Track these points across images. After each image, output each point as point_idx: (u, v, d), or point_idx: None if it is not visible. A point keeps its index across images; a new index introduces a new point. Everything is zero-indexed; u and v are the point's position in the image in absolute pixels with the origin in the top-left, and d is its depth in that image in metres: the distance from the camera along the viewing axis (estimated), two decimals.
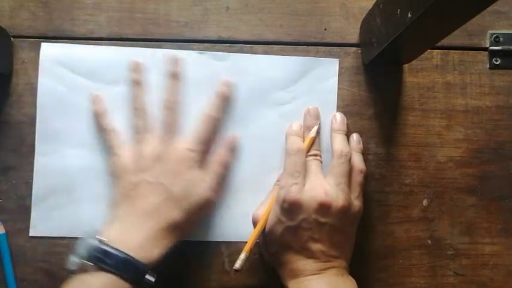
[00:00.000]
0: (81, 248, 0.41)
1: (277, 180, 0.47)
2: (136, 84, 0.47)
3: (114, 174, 0.45)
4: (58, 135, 0.47)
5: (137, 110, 0.46)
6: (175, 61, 0.48)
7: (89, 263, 0.40)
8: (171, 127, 0.46)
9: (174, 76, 0.47)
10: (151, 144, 0.45)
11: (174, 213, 0.43)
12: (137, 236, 0.42)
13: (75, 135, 0.48)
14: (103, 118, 0.47)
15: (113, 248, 0.40)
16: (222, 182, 0.47)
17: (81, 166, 0.47)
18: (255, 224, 0.45)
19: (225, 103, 0.47)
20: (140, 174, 0.44)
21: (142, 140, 0.45)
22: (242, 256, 0.43)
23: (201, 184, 0.45)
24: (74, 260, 0.41)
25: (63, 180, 0.47)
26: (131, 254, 0.41)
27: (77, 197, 0.47)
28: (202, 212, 0.46)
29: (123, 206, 0.44)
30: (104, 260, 0.40)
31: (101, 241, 0.41)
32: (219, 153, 0.47)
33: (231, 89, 0.48)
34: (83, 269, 0.40)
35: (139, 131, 0.46)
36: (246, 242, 0.44)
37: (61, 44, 0.48)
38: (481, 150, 0.50)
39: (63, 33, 0.49)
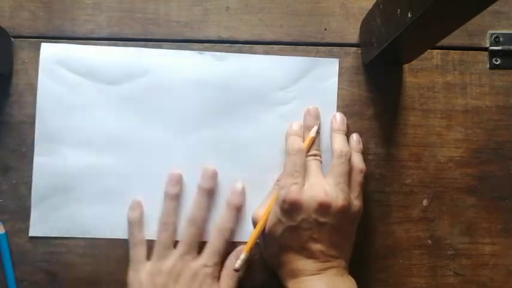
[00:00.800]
0: None
1: (277, 180, 0.47)
2: (171, 199, 0.47)
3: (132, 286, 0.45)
4: (58, 135, 0.47)
5: (165, 224, 0.46)
6: (212, 177, 0.47)
7: None
8: (192, 244, 0.46)
9: (208, 192, 0.47)
10: (171, 261, 0.45)
11: None
12: None
13: (75, 135, 0.48)
14: (137, 228, 0.47)
15: None
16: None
17: (81, 166, 0.47)
18: (254, 224, 0.45)
19: (237, 213, 0.47)
20: None
21: (163, 256, 0.45)
22: (242, 256, 0.43)
23: None
24: None
25: (63, 180, 0.47)
26: None
27: (77, 197, 0.47)
28: None
29: None
30: None
31: None
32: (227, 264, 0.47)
33: (243, 199, 0.47)
34: None
35: (163, 247, 0.45)
36: (246, 242, 0.44)
37: (61, 44, 0.48)
38: (481, 150, 0.50)
39: (63, 33, 0.49)
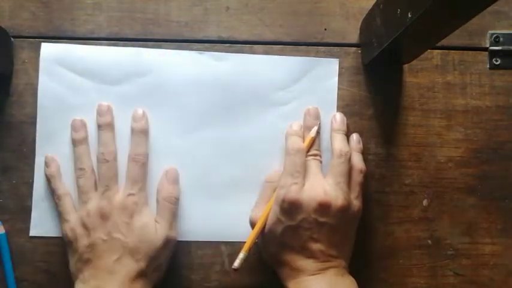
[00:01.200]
0: None
1: (265, 181, 0.47)
2: (79, 143, 0.46)
3: (67, 242, 0.45)
4: (58, 135, 0.47)
5: (80, 170, 0.46)
6: (108, 112, 0.47)
7: None
8: (109, 180, 0.45)
9: (110, 127, 0.47)
10: (95, 202, 0.44)
11: (137, 264, 0.43)
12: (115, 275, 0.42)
13: None
14: (57, 181, 0.46)
15: None
16: (175, 216, 0.46)
17: None
18: (252, 225, 0.45)
19: (146, 137, 0.47)
20: (92, 234, 0.43)
21: (86, 200, 0.45)
22: (241, 255, 0.43)
23: (154, 227, 0.44)
24: None
25: (63, 180, 0.47)
26: None
27: (77, 197, 0.47)
28: (166, 252, 0.45)
29: (85, 271, 0.43)
30: None
31: None
32: (164, 189, 0.46)
33: (146, 122, 0.47)
34: None
35: (83, 191, 0.45)
36: (245, 242, 0.44)
37: (61, 44, 0.48)
38: (481, 150, 0.50)
39: (63, 33, 0.49)
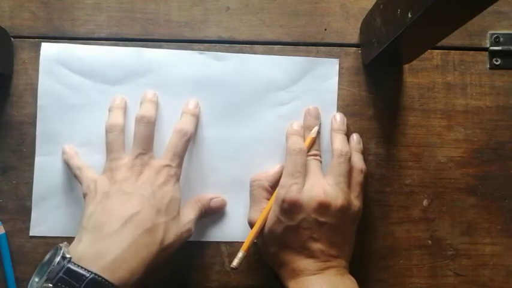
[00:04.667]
0: (45, 268, 0.36)
1: (252, 181, 0.47)
2: (116, 108, 0.46)
3: (87, 189, 0.42)
4: (58, 135, 0.47)
5: (110, 125, 0.45)
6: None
7: (52, 285, 0.35)
8: (147, 144, 0.44)
9: (151, 101, 0.46)
10: (129, 159, 0.43)
11: (155, 218, 0.40)
12: (112, 249, 0.38)
13: (75, 135, 0.47)
14: (74, 159, 0.46)
15: (80, 267, 0.36)
16: (199, 218, 0.46)
17: None
18: (251, 226, 0.45)
19: (195, 120, 0.47)
20: (117, 184, 0.41)
21: (117, 157, 0.43)
22: (240, 255, 0.43)
23: (179, 206, 0.43)
24: (35, 284, 0.36)
25: (63, 180, 0.47)
26: (103, 274, 0.36)
27: (77, 196, 0.47)
28: (179, 239, 0.42)
29: (96, 215, 0.40)
30: (70, 282, 0.35)
31: (66, 259, 0.36)
32: (205, 199, 0.47)
33: (198, 110, 0.47)
34: None
35: (114, 148, 0.44)
36: (244, 241, 0.44)
37: (61, 44, 0.48)
38: (481, 150, 0.49)
39: (63, 33, 0.49)
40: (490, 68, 0.50)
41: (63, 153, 0.47)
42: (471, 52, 0.50)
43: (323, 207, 0.42)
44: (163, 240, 0.41)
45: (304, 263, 0.42)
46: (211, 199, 0.47)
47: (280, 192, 0.43)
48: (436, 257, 0.49)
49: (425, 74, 0.50)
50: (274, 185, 0.46)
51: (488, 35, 0.50)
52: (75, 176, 0.45)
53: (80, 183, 0.44)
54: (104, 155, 0.46)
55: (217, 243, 0.48)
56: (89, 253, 0.37)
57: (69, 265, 0.36)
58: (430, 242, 0.49)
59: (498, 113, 0.50)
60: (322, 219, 0.42)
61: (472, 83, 0.50)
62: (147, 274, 0.39)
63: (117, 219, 0.39)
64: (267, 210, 0.44)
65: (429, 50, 0.50)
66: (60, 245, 0.38)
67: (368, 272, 0.48)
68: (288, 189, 0.43)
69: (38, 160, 0.47)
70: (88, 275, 0.36)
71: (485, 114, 0.50)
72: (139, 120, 0.44)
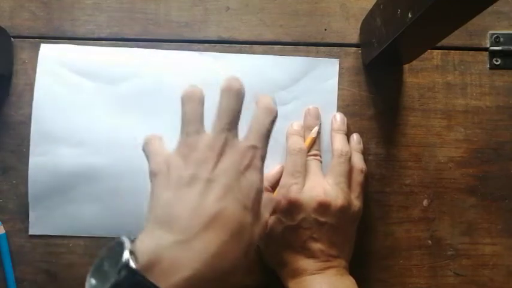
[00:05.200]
0: (103, 269, 0.30)
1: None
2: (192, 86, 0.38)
3: (155, 169, 0.35)
4: (56, 134, 0.47)
5: (191, 93, 0.37)
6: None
7: None
8: (233, 119, 0.36)
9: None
10: (209, 136, 0.35)
11: (243, 217, 0.33)
12: (191, 263, 0.30)
13: (74, 135, 0.47)
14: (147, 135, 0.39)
15: (148, 281, 0.28)
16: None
17: (78, 166, 0.47)
18: None
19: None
20: (194, 168, 0.34)
21: (195, 131, 0.35)
22: None
23: (261, 193, 0.36)
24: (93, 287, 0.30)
25: (60, 180, 0.47)
26: None
27: (75, 196, 0.47)
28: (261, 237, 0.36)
29: (173, 207, 0.32)
30: None
31: (132, 270, 0.28)
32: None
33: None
34: None
35: (192, 120, 0.36)
36: None
37: (61, 44, 0.48)
38: (481, 150, 0.49)
39: (63, 33, 0.49)
40: (490, 68, 0.50)
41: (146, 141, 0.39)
42: (471, 52, 0.50)
43: (323, 207, 0.42)
44: (250, 244, 0.33)
45: (304, 263, 0.42)
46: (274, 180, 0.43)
47: (280, 192, 0.43)
48: (436, 257, 0.49)
49: (425, 74, 0.50)
50: (275, 185, 0.46)
51: (488, 35, 0.50)
52: (143, 151, 0.38)
53: (147, 159, 0.37)
54: (102, 157, 0.46)
55: None
56: (163, 261, 0.30)
57: (136, 277, 0.28)
58: (430, 242, 0.49)
59: (498, 113, 0.50)
60: (322, 219, 0.42)
61: (472, 83, 0.50)
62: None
63: (198, 217, 0.32)
64: None
65: (429, 50, 0.50)
66: (124, 240, 0.30)
67: (368, 272, 0.48)
68: (288, 189, 0.43)
69: (33, 160, 0.47)
70: None
71: (485, 114, 0.50)
72: (227, 90, 0.36)
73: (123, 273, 0.28)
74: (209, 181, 0.33)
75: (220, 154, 0.35)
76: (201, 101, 0.37)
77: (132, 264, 0.29)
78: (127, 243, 0.30)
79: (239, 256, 0.32)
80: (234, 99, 0.36)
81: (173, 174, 0.34)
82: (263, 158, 0.37)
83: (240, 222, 0.33)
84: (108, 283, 0.29)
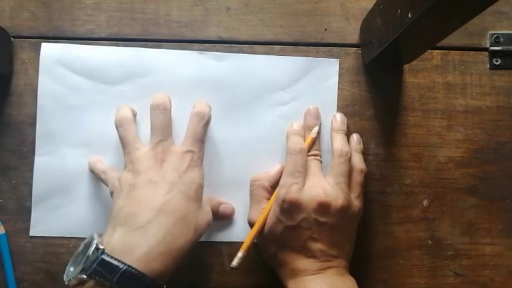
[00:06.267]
0: (80, 258, 0.37)
1: (252, 180, 0.47)
2: (123, 105, 0.46)
3: (112, 187, 0.42)
4: (58, 135, 0.47)
5: (118, 120, 0.44)
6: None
7: (86, 277, 0.36)
8: (166, 130, 0.43)
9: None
10: (149, 147, 0.42)
11: (187, 205, 0.40)
12: (146, 241, 0.37)
13: (75, 135, 0.48)
14: (100, 164, 0.46)
15: (113, 258, 0.36)
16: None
17: (81, 166, 0.47)
18: (251, 226, 0.45)
19: (208, 105, 0.46)
20: (142, 175, 0.41)
21: (136, 148, 0.42)
22: (239, 254, 0.43)
23: (202, 192, 0.43)
24: (71, 273, 0.37)
25: (63, 180, 0.47)
26: (137, 266, 0.36)
27: (77, 197, 0.47)
28: (207, 225, 0.43)
29: (127, 208, 0.39)
30: (104, 273, 0.35)
31: (100, 250, 0.36)
32: (221, 206, 0.47)
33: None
34: (81, 283, 0.36)
35: (131, 139, 0.43)
36: (244, 241, 0.44)
37: (61, 44, 0.48)
38: (482, 150, 0.49)
39: (64, 33, 0.49)
40: (490, 68, 0.50)
41: (88, 163, 0.46)
42: (471, 52, 0.50)
43: (323, 207, 0.42)
44: (197, 228, 0.40)
45: (304, 263, 0.42)
46: (220, 204, 0.47)
47: (280, 192, 0.43)
48: (436, 257, 0.49)
49: (425, 74, 0.50)
50: (275, 185, 0.46)
51: (488, 35, 0.50)
52: (102, 180, 0.45)
53: (107, 185, 0.44)
54: (104, 155, 0.46)
55: (218, 244, 0.48)
56: (123, 245, 0.37)
57: (103, 256, 0.36)
58: (430, 242, 0.49)
59: (498, 113, 0.50)
60: (322, 219, 0.42)
61: (472, 83, 0.50)
62: (182, 263, 0.39)
63: (149, 209, 0.39)
64: (267, 210, 0.44)
65: (429, 50, 0.50)
66: (94, 235, 0.38)
67: (368, 272, 0.48)
68: (288, 189, 0.43)
69: (38, 160, 0.47)
70: (122, 266, 0.35)
71: (486, 114, 0.50)
72: (155, 108, 0.43)
73: (92, 256, 0.36)
74: (155, 182, 0.40)
75: (162, 160, 0.41)
76: (132, 122, 0.44)
77: (100, 247, 0.36)
78: (96, 237, 0.38)
79: (187, 234, 0.39)
80: (162, 114, 0.43)
81: (124, 185, 0.41)
82: (200, 159, 0.43)
83: (185, 209, 0.40)
84: (81, 266, 0.36)
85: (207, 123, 0.44)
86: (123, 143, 0.43)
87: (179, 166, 0.41)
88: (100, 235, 0.39)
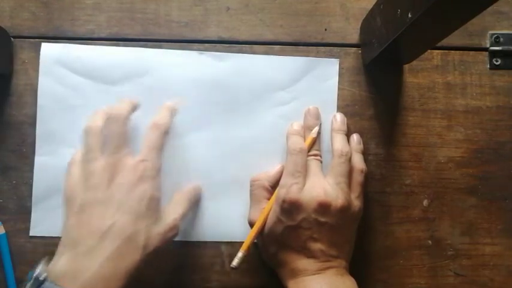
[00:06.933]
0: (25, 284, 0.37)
1: (252, 180, 0.47)
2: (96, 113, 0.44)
3: (65, 196, 0.42)
4: (58, 135, 0.47)
5: (89, 128, 0.43)
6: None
7: None
8: (120, 141, 0.42)
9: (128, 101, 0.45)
10: (102, 160, 0.41)
11: (135, 223, 0.39)
12: (90, 266, 0.37)
13: (75, 135, 0.47)
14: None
15: (56, 286, 0.36)
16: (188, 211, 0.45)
17: None
18: (251, 226, 0.45)
19: (171, 114, 0.45)
20: (91, 192, 0.40)
21: (92, 158, 0.41)
22: (239, 254, 0.43)
23: (159, 203, 0.42)
24: None
25: (62, 181, 0.47)
26: None
27: None
28: (169, 234, 0.42)
29: (74, 231, 0.39)
30: None
31: (39, 282, 0.36)
32: (187, 190, 0.46)
33: (176, 105, 0.46)
34: None
35: (89, 149, 0.42)
36: (244, 241, 0.44)
37: (61, 44, 0.48)
38: (482, 150, 0.49)
39: (64, 33, 0.49)
40: (490, 68, 0.50)
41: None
42: (471, 52, 0.50)
43: (323, 207, 0.42)
44: (147, 245, 0.39)
45: (304, 263, 0.42)
46: (194, 188, 0.47)
47: (280, 192, 0.43)
48: (436, 257, 0.49)
49: (425, 74, 0.50)
50: (275, 185, 0.46)
51: (488, 35, 0.50)
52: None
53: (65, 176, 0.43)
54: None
55: (217, 243, 0.48)
56: (67, 271, 0.37)
57: (45, 284, 0.36)
58: (430, 242, 0.49)
59: (498, 113, 0.50)
60: (322, 219, 0.42)
61: (472, 83, 0.50)
62: (131, 281, 0.38)
63: (94, 234, 0.38)
64: (267, 210, 0.44)
65: (429, 50, 0.50)
66: (41, 261, 0.38)
67: (368, 272, 0.48)
68: (288, 189, 0.43)
69: (38, 160, 0.47)
70: None
71: (486, 114, 0.50)
72: (108, 120, 0.43)
73: (35, 285, 0.36)
74: (103, 203, 0.40)
75: (115, 172, 0.41)
76: (97, 132, 0.42)
77: (40, 278, 0.36)
78: (41, 264, 0.38)
79: (134, 254, 0.39)
80: (115, 125, 0.42)
81: (75, 202, 0.40)
82: (155, 169, 0.42)
83: (131, 228, 0.39)
84: None
85: (164, 133, 0.43)
86: (84, 150, 0.42)
87: (132, 177, 0.40)
88: (47, 262, 0.38)
